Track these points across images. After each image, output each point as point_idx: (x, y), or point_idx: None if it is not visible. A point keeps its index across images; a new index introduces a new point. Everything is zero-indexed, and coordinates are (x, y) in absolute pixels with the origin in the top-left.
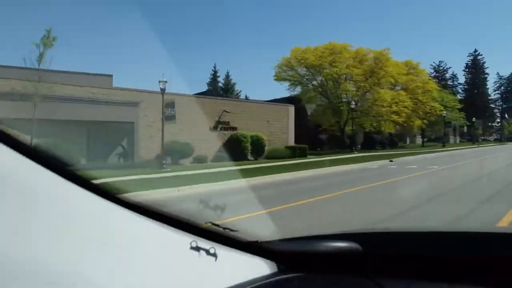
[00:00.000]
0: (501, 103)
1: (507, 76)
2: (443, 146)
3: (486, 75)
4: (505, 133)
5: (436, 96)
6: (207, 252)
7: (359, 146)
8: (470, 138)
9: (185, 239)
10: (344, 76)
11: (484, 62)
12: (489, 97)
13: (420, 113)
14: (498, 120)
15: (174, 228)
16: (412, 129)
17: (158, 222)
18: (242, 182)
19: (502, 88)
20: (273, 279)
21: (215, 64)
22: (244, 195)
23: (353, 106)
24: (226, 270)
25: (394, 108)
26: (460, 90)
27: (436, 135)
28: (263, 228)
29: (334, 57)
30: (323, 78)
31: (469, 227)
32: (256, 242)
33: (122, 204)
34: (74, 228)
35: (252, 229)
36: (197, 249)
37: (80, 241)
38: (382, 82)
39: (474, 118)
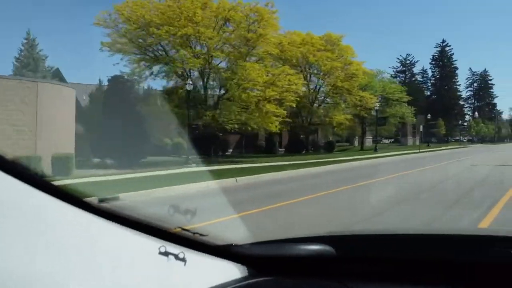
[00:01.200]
0: (473, 101)
1: (480, 72)
2: (375, 150)
3: (455, 69)
4: (472, 133)
5: (366, 83)
6: (176, 257)
7: (280, 149)
8: (439, 139)
9: (154, 244)
10: (206, 42)
11: (453, 54)
12: (459, 94)
13: (342, 105)
14: (471, 119)
15: (143, 233)
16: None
17: (126, 228)
18: None
19: (475, 85)
20: (241, 283)
21: None
22: None
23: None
24: (195, 275)
25: (271, 93)
26: (430, 86)
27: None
28: (235, 232)
29: (187, 13)
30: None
31: (441, 230)
32: (227, 246)
33: (88, 209)
34: (37, 235)
35: (223, 234)
36: (166, 254)
37: (43, 247)
38: (258, 53)
39: (427, 116)
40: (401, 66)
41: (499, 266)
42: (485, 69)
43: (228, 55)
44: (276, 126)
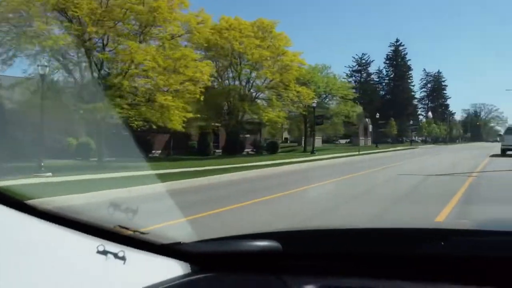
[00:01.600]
0: (427, 101)
1: (434, 73)
2: (312, 153)
3: (409, 69)
4: (424, 133)
5: (309, 78)
6: (115, 255)
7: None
8: (393, 139)
9: (93, 243)
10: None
11: (406, 53)
12: (413, 94)
13: (277, 101)
14: (424, 120)
15: (81, 233)
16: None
17: (64, 227)
18: None
19: (429, 85)
20: (182, 280)
21: None
22: None
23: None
24: (135, 273)
25: (169, 81)
26: (385, 86)
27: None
28: (179, 230)
29: None
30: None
31: (386, 224)
32: (170, 244)
33: (24, 210)
34: None
35: (166, 232)
36: (104, 253)
37: None
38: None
39: (376, 116)
40: (357, 66)
41: (441, 259)
42: (438, 70)
43: (106, 32)
44: (180, 124)
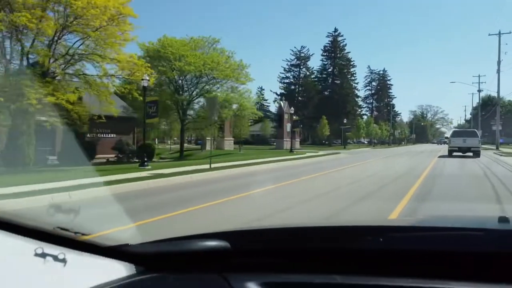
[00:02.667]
0: (371, 101)
1: (378, 70)
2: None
3: (348, 62)
4: (361, 134)
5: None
6: (55, 258)
7: None
8: (328, 140)
9: (30, 246)
10: None
11: (345, 44)
12: (355, 90)
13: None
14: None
15: (18, 235)
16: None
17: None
18: None
19: (374, 84)
20: (125, 281)
21: None
22: None
23: None
24: (76, 275)
25: None
26: (321, 81)
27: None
28: (124, 232)
29: None
30: None
31: (333, 222)
32: (114, 246)
33: None
34: None
35: (111, 233)
36: (43, 255)
37: None
38: None
39: (293, 116)
40: (296, 60)
41: (379, 253)
42: (384, 69)
43: None
44: None
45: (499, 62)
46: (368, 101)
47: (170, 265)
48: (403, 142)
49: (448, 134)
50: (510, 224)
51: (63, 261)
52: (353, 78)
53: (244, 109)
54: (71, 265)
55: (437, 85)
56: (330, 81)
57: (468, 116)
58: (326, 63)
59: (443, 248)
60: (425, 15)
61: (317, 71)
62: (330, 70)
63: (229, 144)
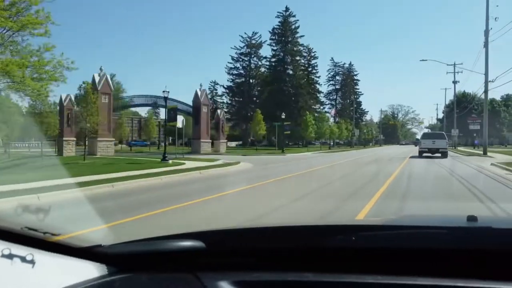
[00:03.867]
0: (335, 97)
1: (342, 63)
2: None
3: (302, 48)
4: (309, 134)
5: None
6: (23, 259)
7: None
8: (269, 141)
9: None
10: None
11: (298, 27)
12: (317, 85)
13: None
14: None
15: None
16: None
17: None
18: None
19: (338, 78)
20: (96, 282)
21: None
22: None
23: None
24: (45, 276)
25: None
26: (271, 70)
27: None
28: (96, 233)
29: None
30: None
31: (307, 222)
32: (86, 247)
33: None
34: None
35: (84, 235)
36: (10, 256)
37: None
38: None
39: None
40: (246, 47)
41: (350, 251)
42: (350, 62)
43: None
44: None
45: (486, 32)
46: (331, 97)
47: (142, 265)
48: (370, 143)
49: (419, 135)
50: (478, 223)
51: (31, 262)
52: (314, 71)
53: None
54: (40, 266)
55: (408, 85)
56: (280, 70)
57: (441, 115)
58: (275, 48)
59: (411, 246)
60: (399, 11)
61: (268, 59)
62: (280, 57)
63: (106, 146)
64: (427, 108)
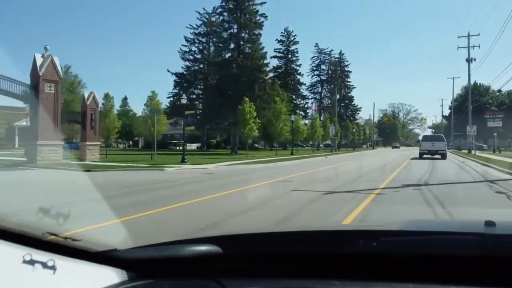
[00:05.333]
0: (319, 89)
1: (330, 50)
2: None
3: (265, 18)
4: (249, 135)
5: None
6: (44, 265)
7: None
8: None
9: (18, 253)
10: None
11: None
12: (298, 76)
13: None
14: (310, 115)
15: (5, 241)
16: None
17: None
18: None
19: (323, 67)
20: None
21: None
22: None
23: None
24: (66, 283)
25: None
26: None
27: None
28: (114, 236)
29: None
30: None
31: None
32: (105, 251)
33: None
34: None
35: (103, 239)
36: (32, 262)
37: None
38: None
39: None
40: (204, 26)
41: (359, 256)
42: (341, 51)
43: None
44: None
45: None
46: (316, 90)
47: (162, 271)
48: (364, 145)
49: (420, 137)
50: (496, 228)
51: (53, 268)
52: (294, 58)
53: None
54: (61, 272)
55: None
56: (233, 48)
57: (447, 111)
58: (228, 19)
59: (435, 252)
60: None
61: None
62: (233, 31)
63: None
64: (431, 107)
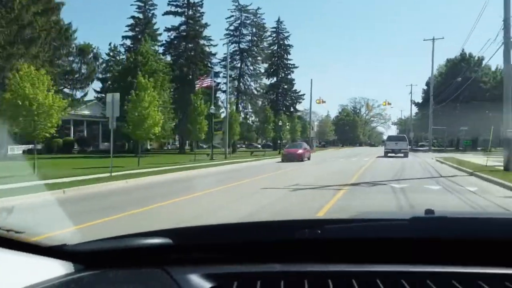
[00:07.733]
0: (239, 64)
1: (254, 8)
2: None
3: None
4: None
5: None
6: None
7: None
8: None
9: None
10: None
11: None
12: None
13: None
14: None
15: None
16: None
17: None
18: None
19: (245, 31)
20: (62, 279)
21: None
22: None
23: None
24: (7, 275)
25: None
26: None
27: None
28: (64, 234)
29: None
30: None
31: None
32: (51, 245)
33: None
34: None
35: (51, 232)
36: None
37: None
38: None
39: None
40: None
41: (312, 243)
42: (279, 19)
43: None
44: None
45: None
46: (234, 64)
47: (110, 262)
48: (327, 144)
49: (386, 136)
50: (434, 215)
51: None
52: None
53: None
54: (2, 264)
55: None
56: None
57: (421, 95)
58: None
59: (375, 236)
60: None
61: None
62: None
63: None
64: (400, 99)
